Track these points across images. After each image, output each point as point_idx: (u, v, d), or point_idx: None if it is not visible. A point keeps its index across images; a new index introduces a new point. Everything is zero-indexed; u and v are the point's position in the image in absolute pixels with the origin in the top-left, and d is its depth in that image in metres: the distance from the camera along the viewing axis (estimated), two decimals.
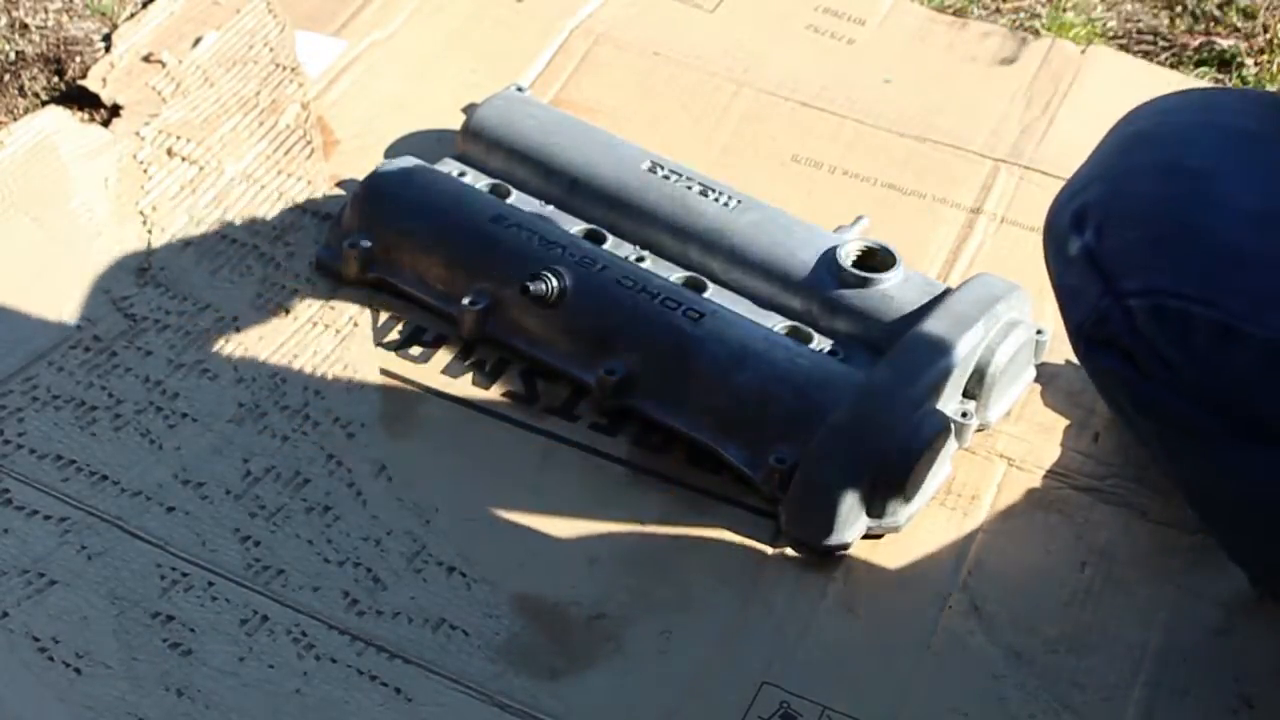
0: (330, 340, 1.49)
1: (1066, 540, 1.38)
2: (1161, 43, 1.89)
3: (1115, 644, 1.31)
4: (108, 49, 1.73)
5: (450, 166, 1.58)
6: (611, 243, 1.52)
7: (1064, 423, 1.47)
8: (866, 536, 1.37)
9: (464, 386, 1.46)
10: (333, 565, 1.32)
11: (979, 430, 1.44)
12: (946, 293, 1.45)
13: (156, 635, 1.26)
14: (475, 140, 1.60)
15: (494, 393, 1.46)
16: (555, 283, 1.43)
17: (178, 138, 1.64)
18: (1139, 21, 1.92)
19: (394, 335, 1.49)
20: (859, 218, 1.57)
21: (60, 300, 1.49)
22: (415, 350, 1.49)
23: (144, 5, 1.79)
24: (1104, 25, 1.90)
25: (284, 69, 1.72)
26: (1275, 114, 1.16)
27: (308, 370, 1.46)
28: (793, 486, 1.35)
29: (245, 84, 1.70)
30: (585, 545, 1.35)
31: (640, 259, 1.51)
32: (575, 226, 1.53)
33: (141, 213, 1.57)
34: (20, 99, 1.70)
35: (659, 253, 1.52)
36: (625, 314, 1.43)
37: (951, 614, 1.32)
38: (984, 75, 1.79)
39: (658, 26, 1.81)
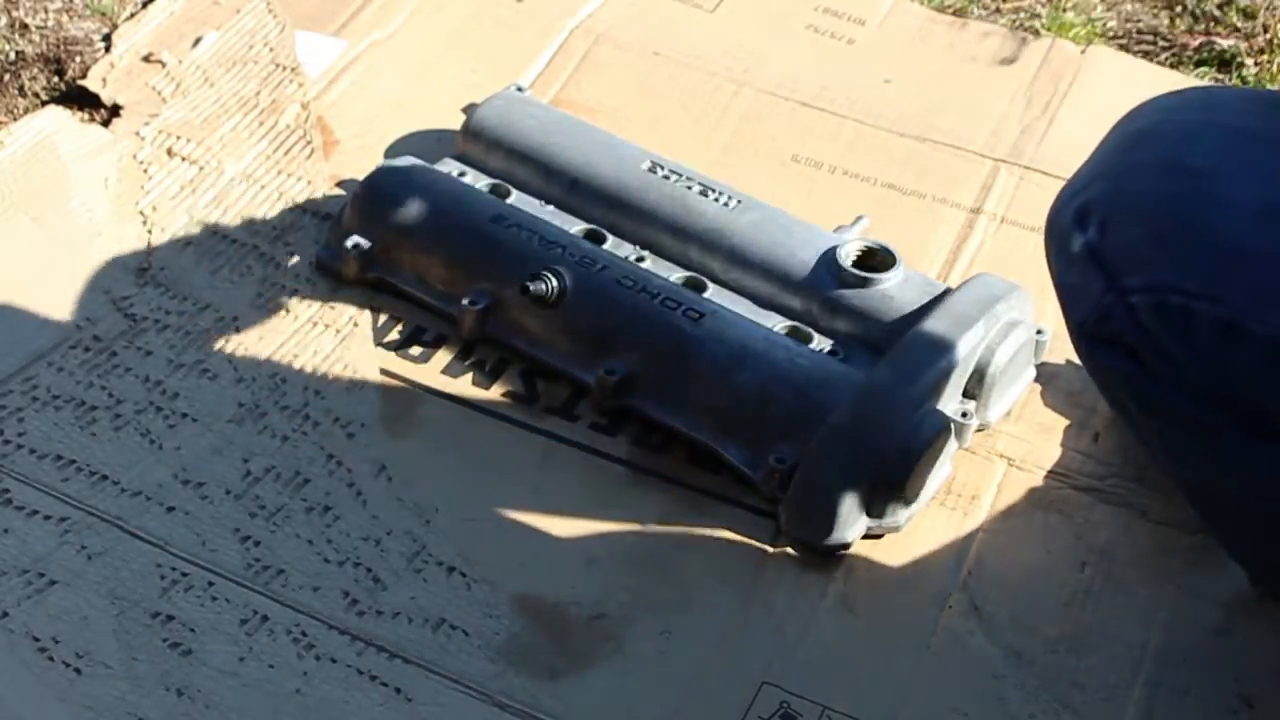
0: (330, 340, 1.49)
1: (1066, 540, 1.38)
2: (1161, 43, 1.89)
3: (1115, 644, 1.31)
4: (108, 49, 1.73)
5: (450, 166, 1.58)
6: (611, 243, 1.52)
7: (1064, 423, 1.47)
8: (866, 536, 1.37)
9: (464, 386, 1.46)
10: (333, 565, 1.32)
11: (979, 430, 1.44)
12: (946, 293, 1.45)
13: (156, 635, 1.26)
14: (475, 140, 1.60)
15: (494, 393, 1.46)
16: (555, 283, 1.43)
17: (178, 138, 1.64)
18: (1139, 21, 1.92)
19: (394, 335, 1.50)
20: (859, 218, 1.57)
21: (60, 300, 1.49)
22: (415, 350, 1.49)
23: (144, 5, 1.79)
24: (1104, 25, 1.90)
25: (284, 69, 1.72)
26: (1276, 112, 1.16)
27: (308, 370, 1.46)
28: (793, 486, 1.35)
29: (245, 84, 1.70)
30: (585, 545, 1.35)
31: (640, 259, 1.51)
32: (575, 226, 1.53)
33: (141, 213, 1.57)
34: (20, 99, 1.70)
35: (659, 253, 1.52)
36: (625, 314, 1.43)
37: (951, 614, 1.32)
38: (984, 75, 1.79)
39: (658, 26, 1.81)
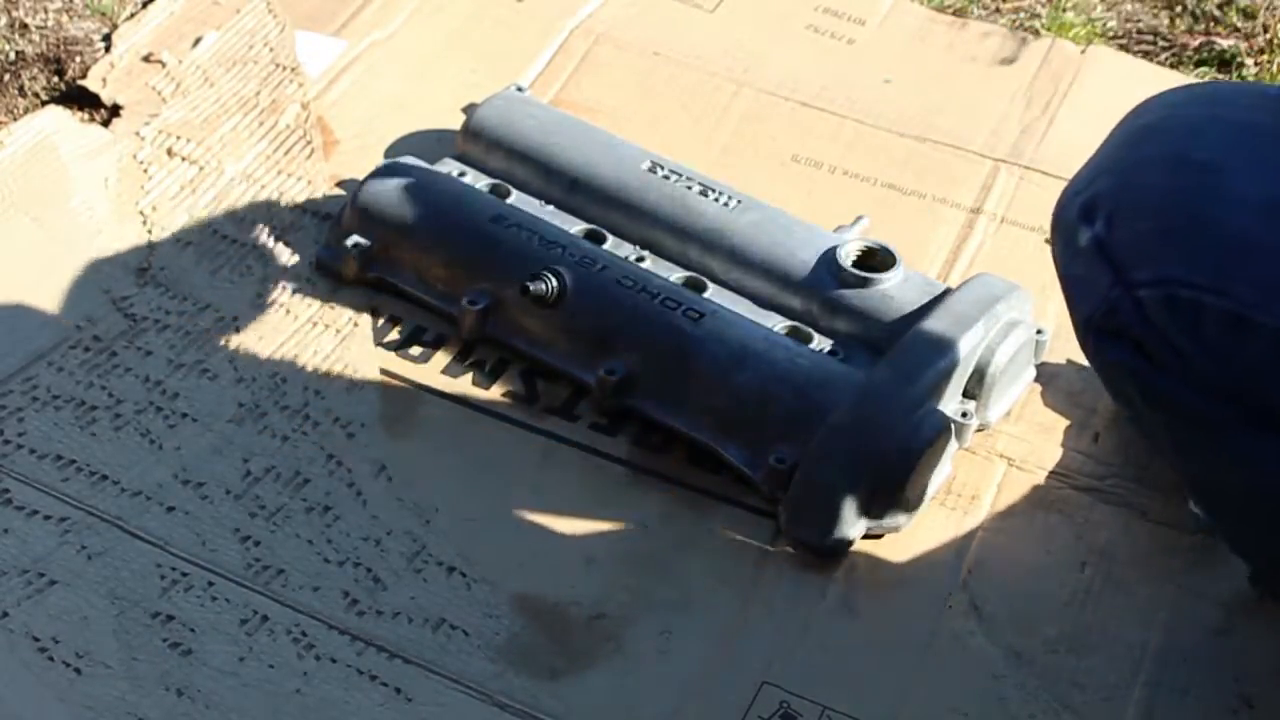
0: (330, 340, 1.49)
1: (1066, 540, 1.38)
2: (1161, 43, 1.89)
3: (1115, 644, 1.31)
4: (108, 49, 1.73)
5: (450, 166, 1.58)
6: (611, 243, 1.52)
7: (1064, 423, 1.47)
8: (866, 536, 1.37)
9: (464, 386, 1.46)
10: (333, 565, 1.32)
11: (979, 430, 1.44)
12: (946, 293, 1.45)
13: (156, 635, 1.26)
14: (475, 140, 1.60)
15: (494, 393, 1.46)
16: (555, 283, 1.43)
17: (178, 138, 1.64)
18: (1139, 21, 1.92)
19: (394, 335, 1.50)
20: (859, 218, 1.57)
21: (60, 300, 1.49)
22: (415, 350, 1.49)
23: (144, 5, 1.79)
24: (1104, 25, 1.90)
25: (284, 69, 1.72)
26: None
27: (308, 370, 1.46)
28: (793, 486, 1.35)
29: (245, 84, 1.70)
30: (585, 545, 1.35)
31: (640, 259, 1.51)
32: (575, 226, 1.53)
33: (141, 213, 1.57)
34: (20, 99, 1.70)
35: (659, 253, 1.52)
36: (625, 314, 1.43)
37: (951, 614, 1.32)
38: (984, 75, 1.79)
39: (658, 26, 1.81)
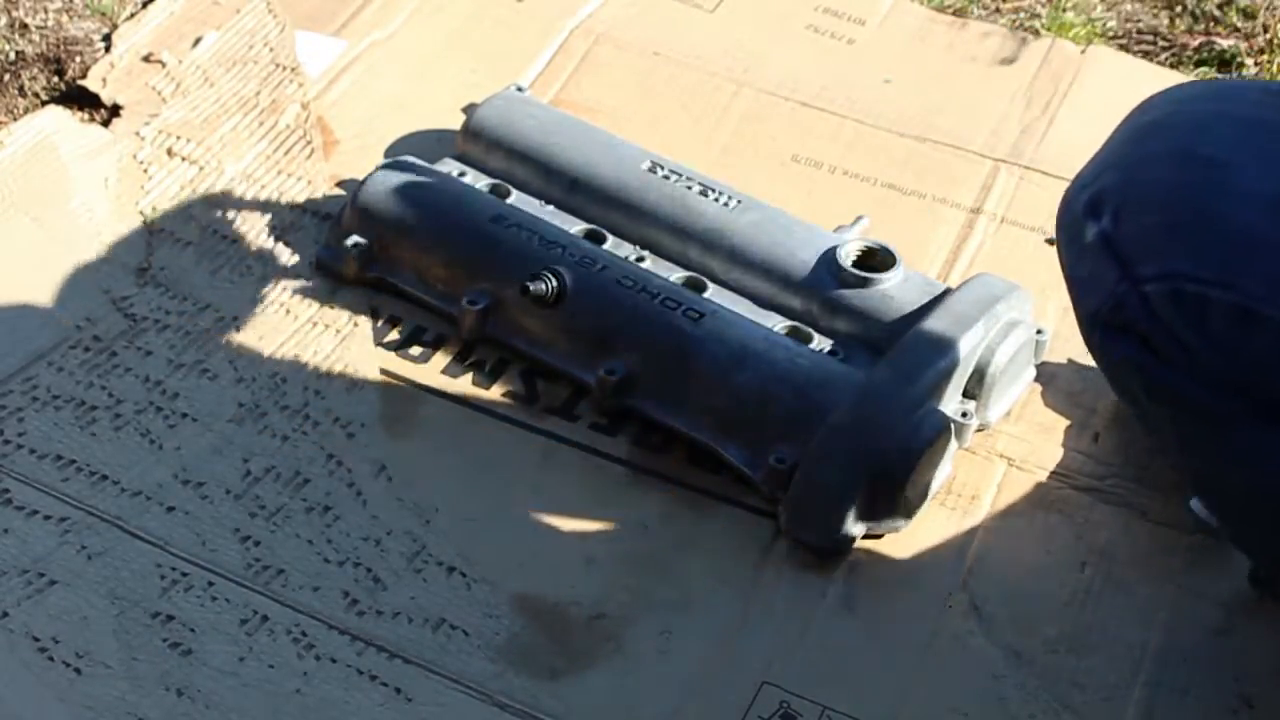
0: (330, 340, 1.49)
1: (1066, 540, 1.38)
2: (1161, 43, 1.89)
3: (1115, 644, 1.31)
4: (108, 49, 1.73)
5: (450, 166, 1.58)
6: (611, 243, 1.52)
7: (1064, 423, 1.47)
8: (866, 536, 1.37)
9: (464, 386, 1.46)
10: (333, 565, 1.32)
11: (979, 430, 1.44)
12: (946, 293, 1.45)
13: (156, 635, 1.26)
14: (475, 140, 1.60)
15: (494, 393, 1.46)
16: (555, 283, 1.43)
17: (178, 138, 1.64)
18: (1139, 21, 1.92)
19: (394, 335, 1.50)
20: (859, 218, 1.57)
21: (60, 300, 1.49)
22: (415, 350, 1.49)
23: (144, 5, 1.79)
24: (1104, 25, 1.90)
25: (284, 69, 1.72)
26: None
27: (308, 370, 1.46)
28: (793, 486, 1.35)
29: (245, 84, 1.70)
30: (585, 545, 1.35)
31: (640, 259, 1.51)
32: (575, 226, 1.53)
33: (141, 213, 1.57)
34: (20, 99, 1.70)
35: (659, 253, 1.52)
36: (625, 314, 1.43)
37: (951, 614, 1.32)
38: (984, 75, 1.79)
39: (658, 26, 1.81)
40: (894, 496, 1.35)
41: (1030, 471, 1.43)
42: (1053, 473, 1.43)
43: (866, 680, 1.28)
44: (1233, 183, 1.10)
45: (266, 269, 1.53)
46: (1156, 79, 1.78)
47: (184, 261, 1.54)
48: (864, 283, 1.46)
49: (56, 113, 1.66)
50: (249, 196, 1.60)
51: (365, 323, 1.50)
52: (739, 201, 1.53)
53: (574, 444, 1.42)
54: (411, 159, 1.55)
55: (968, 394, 1.42)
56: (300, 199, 1.60)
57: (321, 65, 1.73)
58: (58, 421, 1.39)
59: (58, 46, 1.75)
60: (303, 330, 1.49)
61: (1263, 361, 1.10)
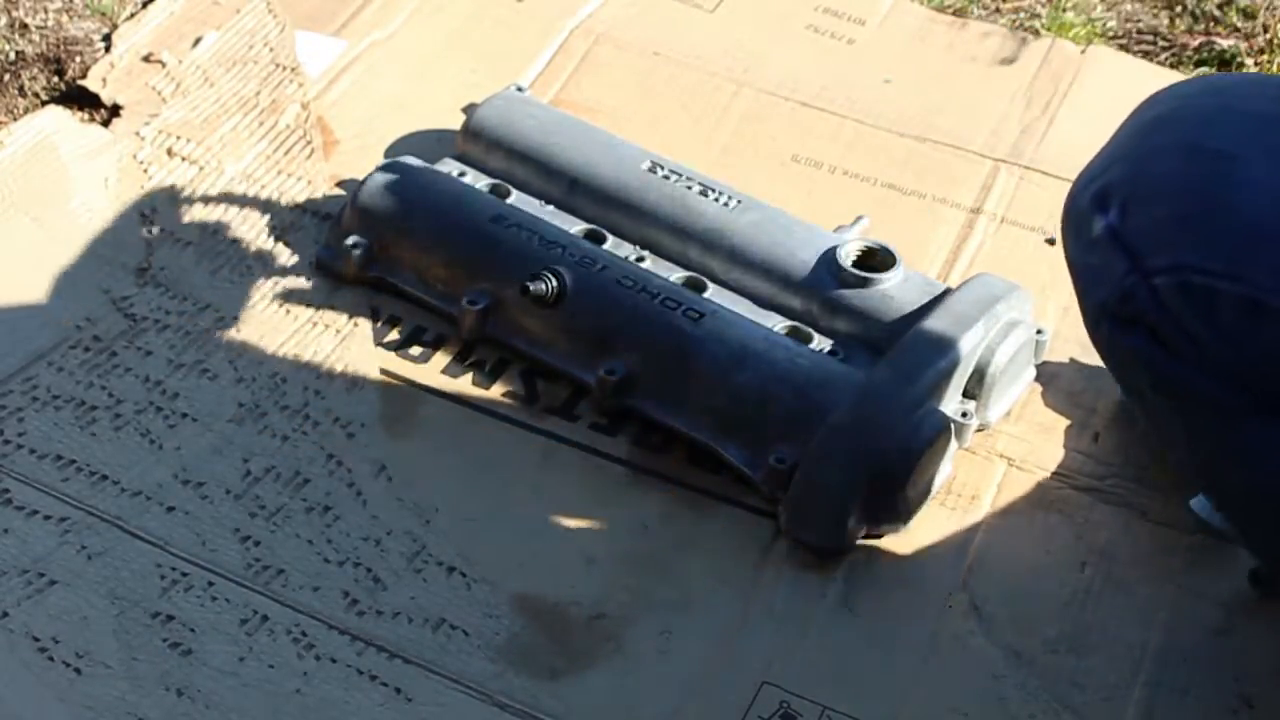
0: (330, 340, 1.49)
1: (1066, 540, 1.38)
2: (1161, 43, 1.89)
3: (1115, 644, 1.31)
4: (108, 49, 1.73)
5: (450, 166, 1.58)
6: (611, 243, 1.52)
7: (1064, 423, 1.47)
8: (867, 536, 1.37)
9: (464, 386, 1.46)
10: (333, 565, 1.32)
11: (979, 430, 1.44)
12: (946, 293, 1.45)
13: (156, 635, 1.26)
14: (475, 140, 1.60)
15: (494, 393, 1.46)
16: (555, 283, 1.43)
17: (178, 138, 1.64)
18: (1139, 21, 1.92)
19: (394, 335, 1.50)
20: (859, 218, 1.57)
21: (60, 300, 1.49)
22: (415, 350, 1.49)
23: (144, 5, 1.79)
24: (1104, 25, 1.90)
25: (284, 69, 1.72)
26: None
27: (308, 370, 1.46)
28: (793, 486, 1.35)
29: (245, 84, 1.70)
30: (585, 545, 1.35)
31: (640, 259, 1.51)
32: (575, 226, 1.53)
33: (141, 213, 1.57)
34: (20, 99, 1.70)
35: (659, 253, 1.52)
36: (625, 314, 1.43)
37: (951, 614, 1.32)
38: (984, 75, 1.79)
39: (658, 26, 1.81)
40: (894, 496, 1.35)
41: (1030, 471, 1.43)
42: (1053, 473, 1.43)
43: (866, 680, 1.28)
44: (1242, 175, 1.10)
45: (266, 269, 1.53)
46: (1156, 79, 1.78)
47: (184, 261, 1.54)
48: (864, 283, 1.46)
49: (56, 113, 1.66)
50: (249, 196, 1.60)
51: (365, 323, 1.50)
52: (739, 201, 1.53)
53: (574, 444, 1.42)
54: (411, 159, 1.55)
55: (968, 394, 1.42)
56: (300, 199, 1.60)
57: (321, 65, 1.73)
58: (58, 421, 1.39)
59: (58, 46, 1.75)
60: (303, 330, 1.49)
61: (1272, 353, 1.10)
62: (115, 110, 1.66)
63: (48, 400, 1.41)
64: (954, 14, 1.87)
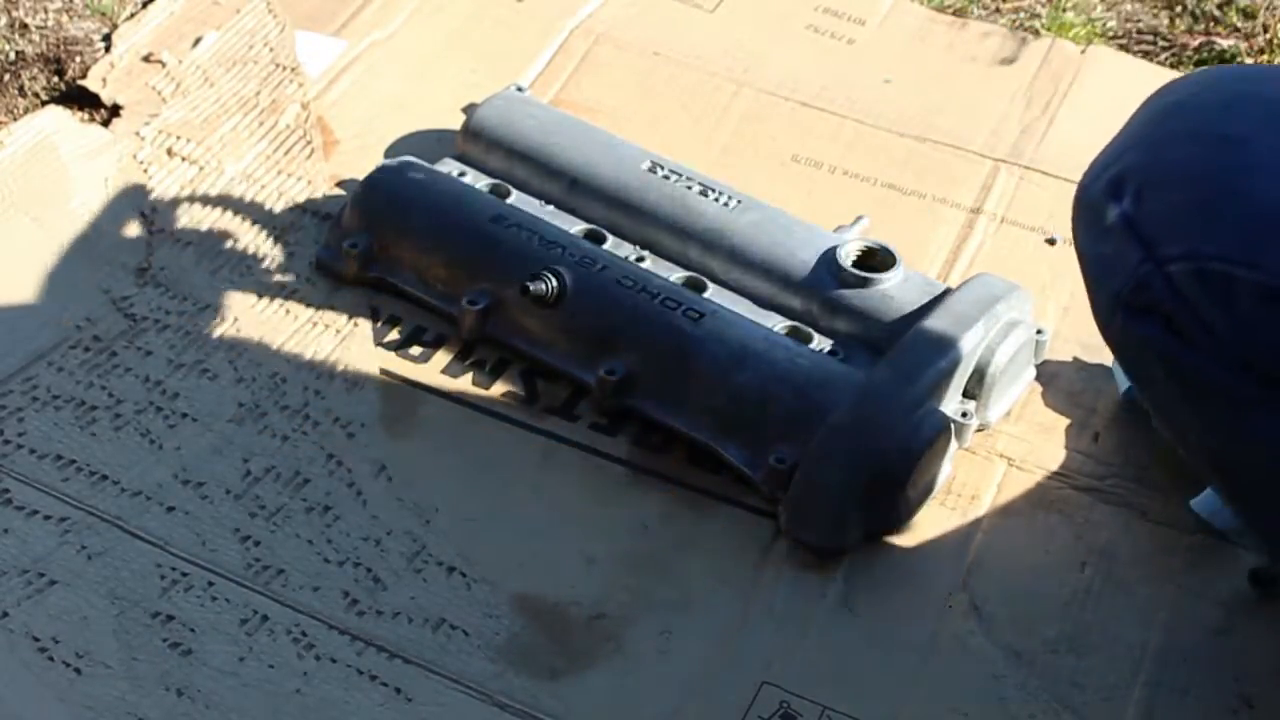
0: (330, 340, 1.49)
1: (1066, 540, 1.38)
2: (1161, 43, 1.89)
3: (1115, 644, 1.31)
4: (108, 49, 1.73)
5: (450, 166, 1.58)
6: (611, 243, 1.52)
7: (1064, 423, 1.47)
8: (866, 536, 1.36)
9: (464, 386, 1.46)
10: (333, 565, 1.32)
11: (979, 430, 1.44)
12: (946, 293, 1.45)
13: (156, 635, 1.26)
14: (475, 140, 1.60)
15: (494, 393, 1.46)
16: (555, 283, 1.43)
17: (178, 138, 1.64)
18: (1139, 21, 1.92)
19: (394, 335, 1.50)
20: (859, 218, 1.57)
21: (60, 300, 1.49)
22: (415, 350, 1.49)
23: (144, 5, 1.79)
24: (1104, 25, 1.90)
25: (284, 69, 1.72)
26: None
27: (308, 370, 1.46)
28: (793, 486, 1.35)
29: (245, 84, 1.70)
30: (585, 545, 1.35)
31: (640, 259, 1.51)
32: (575, 226, 1.53)
33: (141, 213, 1.57)
34: (20, 99, 1.70)
35: (659, 253, 1.52)
36: (625, 314, 1.43)
37: (951, 614, 1.32)
38: (984, 75, 1.79)
39: (658, 26, 1.81)
40: (894, 496, 1.35)
41: (1030, 471, 1.43)
42: (1053, 473, 1.43)
43: (866, 680, 1.28)
44: (1258, 161, 1.09)
45: (266, 269, 1.54)
46: (1156, 79, 1.77)
47: (184, 261, 1.54)
48: (864, 283, 1.46)
49: (56, 113, 1.66)
50: (249, 196, 1.60)
51: (365, 323, 1.50)
52: (739, 201, 1.53)
53: (574, 444, 1.42)
54: (411, 159, 1.55)
55: (968, 394, 1.42)
56: (300, 199, 1.60)
57: (321, 65, 1.73)
58: (58, 421, 1.39)
59: (58, 46, 1.75)
60: (303, 330, 1.49)
61: None
62: (115, 110, 1.66)
63: (48, 400, 1.41)
64: (954, 14, 1.87)
